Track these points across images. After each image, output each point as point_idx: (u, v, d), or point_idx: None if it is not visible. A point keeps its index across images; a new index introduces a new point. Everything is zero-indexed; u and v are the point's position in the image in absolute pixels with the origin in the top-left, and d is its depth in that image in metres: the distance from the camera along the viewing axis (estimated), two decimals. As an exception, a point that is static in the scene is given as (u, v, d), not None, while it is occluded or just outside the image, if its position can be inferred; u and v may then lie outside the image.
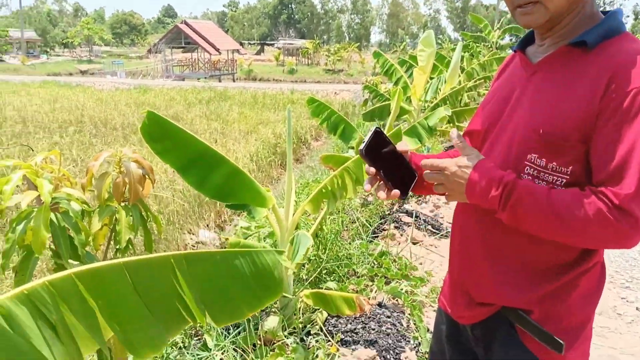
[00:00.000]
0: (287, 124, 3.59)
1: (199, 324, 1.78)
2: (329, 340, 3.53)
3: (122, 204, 2.57)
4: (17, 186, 2.15)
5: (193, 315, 1.74)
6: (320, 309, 3.81)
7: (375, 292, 4.30)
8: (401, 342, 3.64)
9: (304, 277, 4.26)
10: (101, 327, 1.69)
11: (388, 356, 3.47)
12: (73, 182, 2.42)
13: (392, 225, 5.96)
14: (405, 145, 1.65)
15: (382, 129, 1.59)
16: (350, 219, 5.88)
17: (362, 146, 1.54)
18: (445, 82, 8.05)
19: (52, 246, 2.29)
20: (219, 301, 1.80)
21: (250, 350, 3.26)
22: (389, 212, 6.45)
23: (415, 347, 3.60)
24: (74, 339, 1.63)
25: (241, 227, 5.77)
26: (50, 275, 1.60)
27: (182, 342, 3.52)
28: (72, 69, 37.12)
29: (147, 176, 2.67)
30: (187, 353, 3.38)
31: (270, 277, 1.86)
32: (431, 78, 8.51)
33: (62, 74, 33.57)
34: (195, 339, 3.64)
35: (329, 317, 3.92)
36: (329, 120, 6.14)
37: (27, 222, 2.17)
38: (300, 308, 3.72)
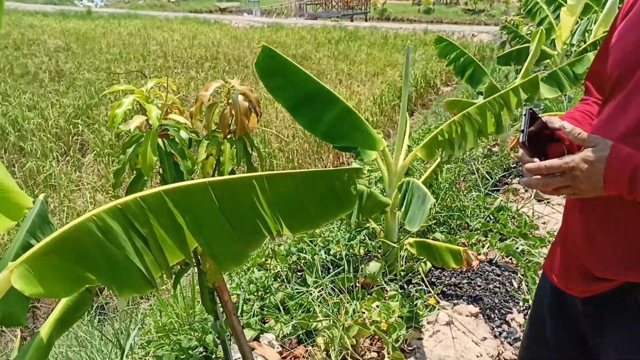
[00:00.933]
0: (405, 63, 3.42)
1: (277, 237, 1.88)
2: (430, 291, 3.46)
3: (228, 136, 2.65)
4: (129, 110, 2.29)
5: (270, 228, 1.85)
6: (424, 259, 3.72)
7: (487, 248, 4.09)
8: (509, 302, 3.45)
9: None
10: (188, 242, 1.78)
11: (492, 315, 3.32)
12: (181, 109, 2.53)
13: (516, 179, 5.58)
14: (558, 121, 1.40)
15: (534, 110, 1.36)
16: (469, 169, 5.60)
17: (521, 137, 1.29)
18: (596, 23, 7.14)
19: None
20: (294, 215, 1.92)
21: (347, 291, 3.30)
22: (514, 164, 6.03)
23: (524, 310, 3.39)
24: (162, 251, 1.74)
25: (354, 169, 5.76)
26: (141, 192, 1.71)
27: (286, 276, 3.67)
28: (212, 6, 38.94)
29: (253, 109, 2.71)
30: (288, 286, 3.51)
31: (345, 193, 1.97)
32: (580, 19, 7.60)
33: (203, 11, 35.40)
34: (298, 274, 3.76)
35: (432, 268, 3.83)
36: (457, 61, 5.80)
37: (137, 146, 2.32)
38: (403, 256, 3.66)
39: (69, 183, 7.11)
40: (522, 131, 1.29)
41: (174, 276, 2.60)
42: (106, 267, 1.70)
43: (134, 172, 2.44)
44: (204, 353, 2.93)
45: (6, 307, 1.95)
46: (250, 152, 2.81)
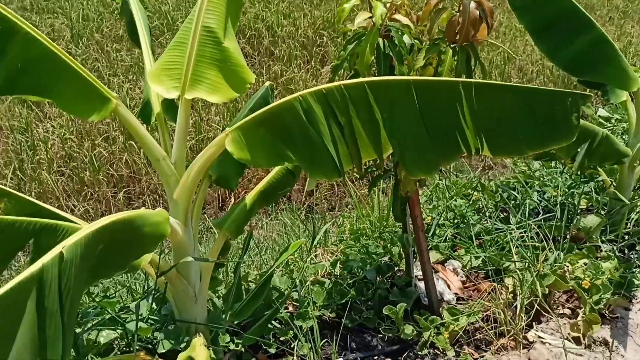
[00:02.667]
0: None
1: (473, 154, 1.77)
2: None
3: (451, 45, 2.53)
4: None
5: (469, 144, 1.74)
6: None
7: None
8: None
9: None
10: (382, 141, 1.80)
11: None
12: (409, 11, 2.47)
13: None
14: None
15: None
16: None
17: None
18: None
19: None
20: (499, 135, 1.79)
21: (552, 240, 3.03)
22: None
23: None
24: (356, 143, 1.78)
25: (599, 116, 5.09)
26: (345, 80, 1.75)
27: (488, 212, 3.51)
28: None
29: (484, 19, 2.52)
30: (489, 220, 3.37)
31: (563, 121, 1.75)
32: None
33: None
34: (502, 214, 3.56)
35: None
36: None
37: (357, 44, 2.37)
38: (633, 219, 3.18)
39: (305, 89, 7.70)
40: None
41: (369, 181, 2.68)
42: (303, 147, 1.82)
43: (352, 71, 2.51)
44: (388, 262, 3.02)
45: (222, 169, 2.26)
46: (474, 67, 2.65)
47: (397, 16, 2.41)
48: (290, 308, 2.86)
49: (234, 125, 1.84)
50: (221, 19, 1.97)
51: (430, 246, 3.12)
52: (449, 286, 2.89)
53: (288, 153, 1.83)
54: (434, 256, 3.05)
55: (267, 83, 2.51)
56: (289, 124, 1.79)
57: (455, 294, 2.85)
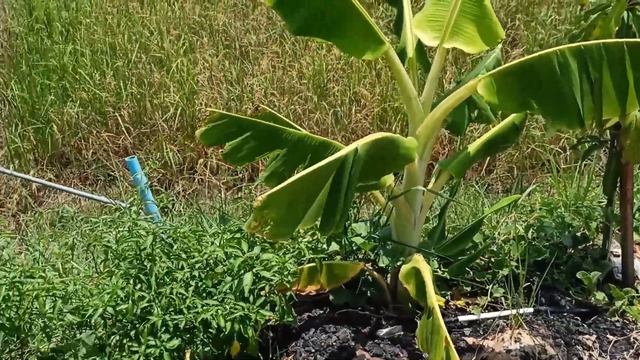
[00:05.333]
0: None
1: None
2: None
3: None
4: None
5: None
6: None
7: None
8: None
9: None
10: (628, 102, 2.00)
11: None
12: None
13: None
14: None
15: None
16: None
17: None
18: None
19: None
20: None
21: None
22: None
23: None
24: (601, 100, 2.01)
25: None
26: (605, 40, 1.97)
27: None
28: None
29: None
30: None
31: None
32: None
33: None
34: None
35: None
36: None
37: (601, 14, 2.53)
38: None
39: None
40: None
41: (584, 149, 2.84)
42: (549, 98, 2.09)
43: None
44: (581, 232, 3.15)
45: (456, 116, 2.60)
46: None
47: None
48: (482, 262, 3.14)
49: (488, 72, 2.16)
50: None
51: (635, 225, 3.17)
52: (645, 267, 2.96)
53: (532, 102, 2.10)
54: (637, 237, 3.11)
55: (499, 46, 2.77)
56: (539, 76, 2.06)
57: (651, 276, 2.91)
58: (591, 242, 3.13)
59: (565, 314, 2.74)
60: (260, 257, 2.07)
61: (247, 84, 7.21)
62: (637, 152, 2.46)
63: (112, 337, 2.03)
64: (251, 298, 2.02)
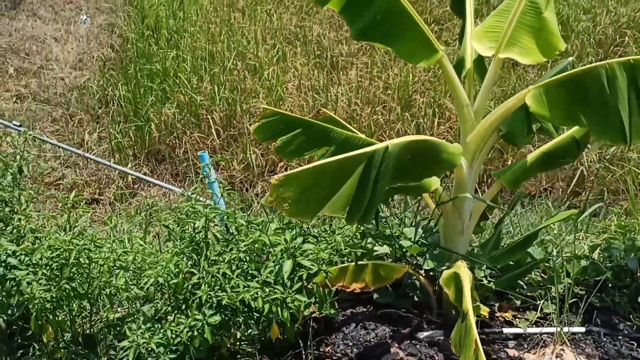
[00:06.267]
0: None
1: None
2: None
3: None
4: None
5: None
6: None
7: None
8: None
9: None
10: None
11: None
12: None
13: None
14: None
15: None
16: None
17: None
18: None
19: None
20: None
21: None
22: None
23: None
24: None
25: None
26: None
27: None
28: None
29: None
30: None
31: None
32: None
33: None
34: None
35: None
36: None
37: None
38: None
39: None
40: None
41: None
42: (594, 112, 2.10)
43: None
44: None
45: (511, 126, 2.63)
46: None
47: None
48: (539, 277, 3.10)
49: (537, 84, 2.19)
50: (545, -10, 2.31)
51: None
52: None
53: (580, 115, 2.11)
54: None
55: (570, 58, 2.75)
56: (589, 88, 2.07)
57: None
58: (664, 269, 3.00)
59: (620, 337, 2.65)
60: (302, 247, 2.24)
61: (333, 92, 7.44)
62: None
63: (166, 309, 2.28)
64: (289, 284, 2.19)
